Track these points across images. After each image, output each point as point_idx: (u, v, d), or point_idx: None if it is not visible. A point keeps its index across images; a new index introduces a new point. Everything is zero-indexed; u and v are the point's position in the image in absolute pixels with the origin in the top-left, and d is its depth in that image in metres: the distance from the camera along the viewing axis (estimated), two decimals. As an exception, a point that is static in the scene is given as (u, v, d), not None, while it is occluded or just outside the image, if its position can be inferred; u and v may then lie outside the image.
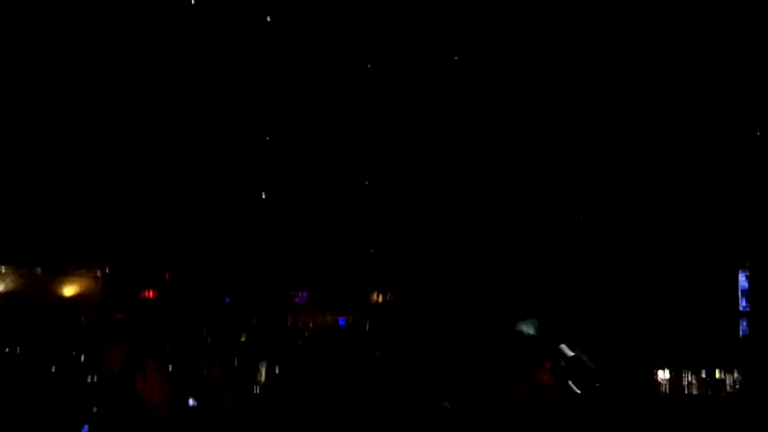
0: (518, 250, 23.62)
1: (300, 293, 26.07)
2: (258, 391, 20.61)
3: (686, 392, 22.07)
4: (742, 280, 24.37)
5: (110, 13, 22.74)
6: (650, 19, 21.59)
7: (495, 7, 22.53)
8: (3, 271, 26.87)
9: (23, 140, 24.26)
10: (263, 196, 24.70)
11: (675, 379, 22.42)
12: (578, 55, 22.14)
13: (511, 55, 22.65)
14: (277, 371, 22.01)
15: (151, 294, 26.69)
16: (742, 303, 24.15)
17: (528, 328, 22.20)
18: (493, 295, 23.46)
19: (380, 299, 25.78)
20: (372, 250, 24.53)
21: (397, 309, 24.70)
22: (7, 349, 23.26)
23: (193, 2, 22.96)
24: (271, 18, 23.26)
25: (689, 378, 22.64)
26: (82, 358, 22.14)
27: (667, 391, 21.67)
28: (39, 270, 26.95)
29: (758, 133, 21.98)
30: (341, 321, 24.98)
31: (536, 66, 22.61)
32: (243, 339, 24.77)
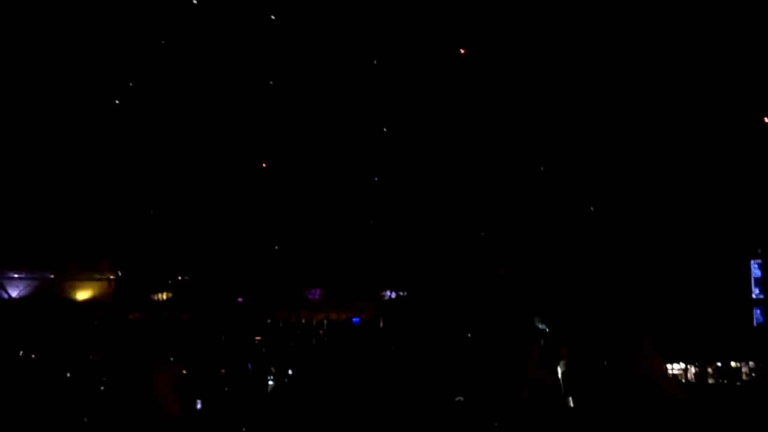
0: (532, 242, 23.59)
1: (313, 291, 26.09)
2: (271, 391, 20.61)
3: (702, 381, 22.03)
4: (755, 269, 24.29)
5: (125, 14, 22.79)
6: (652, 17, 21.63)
7: (498, 6, 22.63)
8: (16, 276, 26.98)
9: (34, 147, 24.36)
10: (275, 196, 24.71)
11: (691, 369, 22.41)
12: (590, 49, 22.13)
13: (521, 50, 22.63)
14: (290, 371, 22.05)
15: (164, 296, 26.80)
16: (755, 291, 24.08)
17: (541, 323, 22.24)
18: (506, 289, 23.44)
19: (394, 296, 25.78)
20: (384, 248, 24.49)
21: (411, 306, 24.69)
22: (21, 353, 23.37)
23: (195, 1, 23.02)
24: (276, 16, 23.33)
25: (705, 367, 22.63)
26: (95, 359, 22.24)
27: (683, 380, 21.64)
28: (51, 275, 27.06)
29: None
30: (355, 320, 24.99)
31: (546, 63, 22.60)
32: (257, 339, 24.82)
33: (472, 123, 23.34)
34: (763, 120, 21.80)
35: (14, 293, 26.85)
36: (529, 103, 22.89)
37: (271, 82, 24.04)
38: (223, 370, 17.83)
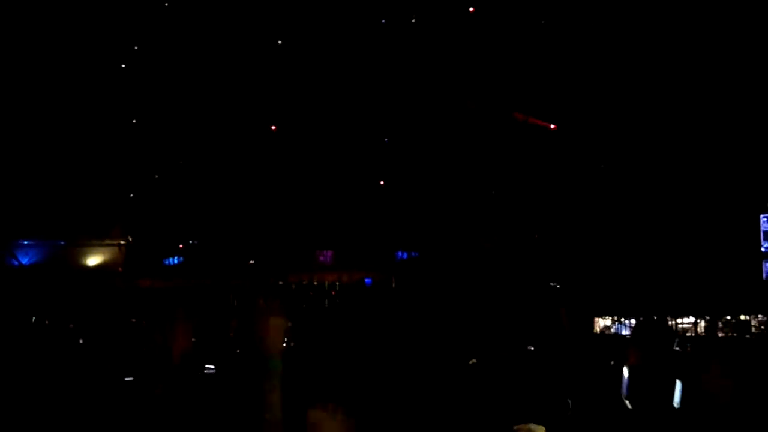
0: (541, 202, 23.68)
1: (325, 252, 26.20)
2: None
3: (712, 334, 22.19)
4: (764, 222, 24.36)
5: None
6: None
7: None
8: (26, 243, 27.08)
9: (42, 115, 24.36)
10: (285, 158, 24.76)
11: (701, 323, 22.57)
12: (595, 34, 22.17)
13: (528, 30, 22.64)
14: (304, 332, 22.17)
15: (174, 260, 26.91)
16: (765, 245, 24.16)
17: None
18: (520, 253, 23.56)
19: (405, 257, 25.88)
20: (395, 209, 24.58)
21: (423, 266, 24.81)
22: (34, 319, 23.54)
23: None
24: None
25: (715, 321, 22.77)
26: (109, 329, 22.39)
27: (695, 334, 21.82)
28: (62, 241, 27.15)
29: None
30: (367, 280, 25.10)
31: (551, 53, 22.64)
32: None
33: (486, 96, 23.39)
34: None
35: (24, 260, 26.97)
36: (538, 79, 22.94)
37: (279, 42, 24.01)
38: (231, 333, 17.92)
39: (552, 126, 23.26)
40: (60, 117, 24.36)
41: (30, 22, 23.35)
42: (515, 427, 4.80)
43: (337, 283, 24.73)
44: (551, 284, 22.66)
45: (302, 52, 24.12)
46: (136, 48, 24.38)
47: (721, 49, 21.82)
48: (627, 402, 7.36)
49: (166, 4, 23.92)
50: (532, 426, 4.74)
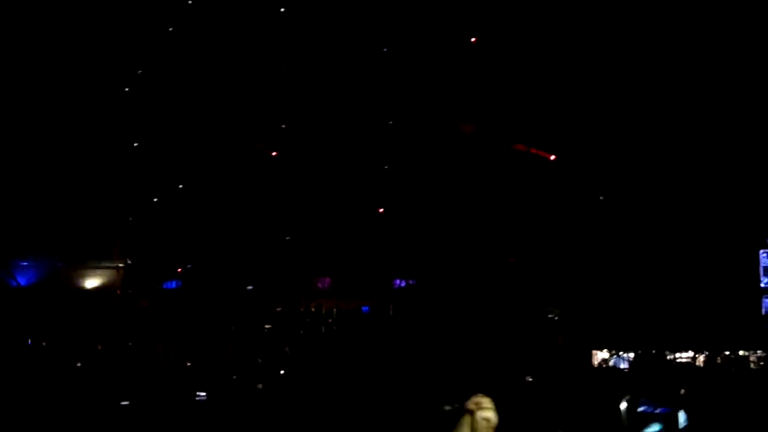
0: (540, 232, 23.65)
1: (323, 279, 26.14)
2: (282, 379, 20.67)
3: (712, 370, 22.11)
4: (763, 258, 24.37)
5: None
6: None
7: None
8: (25, 264, 27.03)
9: (42, 136, 24.39)
10: (284, 184, 24.77)
11: (700, 358, 22.51)
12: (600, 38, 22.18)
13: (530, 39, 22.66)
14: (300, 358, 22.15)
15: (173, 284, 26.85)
16: (764, 281, 24.16)
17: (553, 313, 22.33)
18: (518, 277, 23.51)
19: (403, 285, 25.82)
20: (393, 236, 24.55)
21: (420, 294, 24.76)
22: (31, 342, 23.46)
23: None
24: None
25: (714, 356, 22.72)
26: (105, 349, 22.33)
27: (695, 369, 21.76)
28: (60, 263, 27.10)
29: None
30: (364, 308, 25.03)
31: (554, 56, 22.65)
32: (267, 327, 24.88)
33: (481, 113, 23.40)
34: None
35: (23, 281, 26.92)
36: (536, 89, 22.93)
37: (282, 68, 24.09)
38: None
39: (552, 157, 23.30)
40: (60, 139, 24.39)
41: (34, 42, 23.46)
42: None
43: (334, 310, 24.67)
44: (549, 316, 22.60)
45: (301, 79, 24.19)
46: (139, 72, 24.47)
47: (714, 78, 21.90)
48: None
49: (169, 29, 24.03)
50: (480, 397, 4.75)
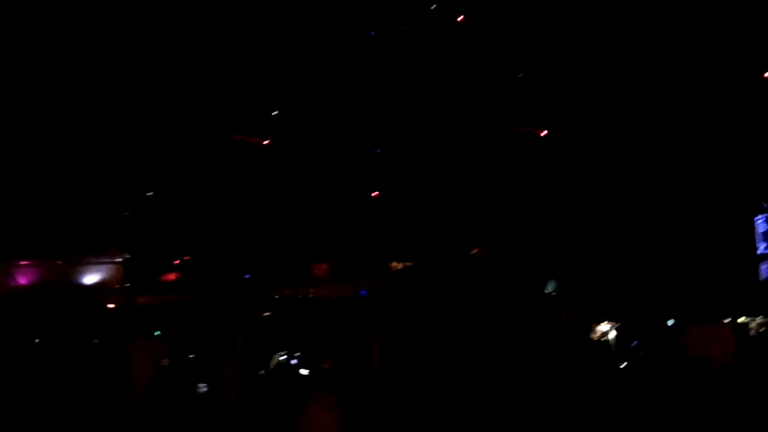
0: (535, 209, 23.65)
1: (320, 265, 26.19)
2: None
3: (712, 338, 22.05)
4: (759, 224, 24.32)
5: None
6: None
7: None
8: (24, 263, 27.10)
9: (38, 133, 24.39)
10: (278, 172, 24.77)
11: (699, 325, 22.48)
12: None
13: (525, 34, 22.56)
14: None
15: (172, 276, 26.90)
16: (761, 246, 24.12)
17: (550, 286, 22.30)
18: (513, 258, 23.52)
19: (400, 267, 25.84)
20: (389, 220, 24.55)
21: (418, 276, 24.75)
22: (33, 340, 23.49)
23: None
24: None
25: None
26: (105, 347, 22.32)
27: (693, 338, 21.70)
28: (59, 260, 27.15)
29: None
30: (362, 292, 25.04)
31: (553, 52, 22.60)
32: (266, 315, 24.89)
33: (473, 104, 23.35)
34: (764, 76, 21.68)
35: (23, 280, 26.99)
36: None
37: (273, 61, 24.03)
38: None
39: (543, 132, 23.24)
40: (56, 137, 24.39)
41: (30, 41, 23.38)
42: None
43: (333, 296, 24.69)
44: (547, 291, 22.59)
45: (296, 69, 24.11)
46: (129, 69, 24.38)
47: (712, 61, 21.79)
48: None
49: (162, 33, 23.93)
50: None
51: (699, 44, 21.94)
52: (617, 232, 23.16)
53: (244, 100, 24.46)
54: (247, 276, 25.31)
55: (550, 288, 22.80)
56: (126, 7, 23.60)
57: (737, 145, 22.48)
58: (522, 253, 23.62)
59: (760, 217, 24.08)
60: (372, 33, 23.67)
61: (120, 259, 27.24)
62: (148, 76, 24.51)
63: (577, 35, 22.64)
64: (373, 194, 24.91)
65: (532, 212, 23.85)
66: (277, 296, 24.76)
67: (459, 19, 23.02)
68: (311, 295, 24.90)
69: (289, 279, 25.45)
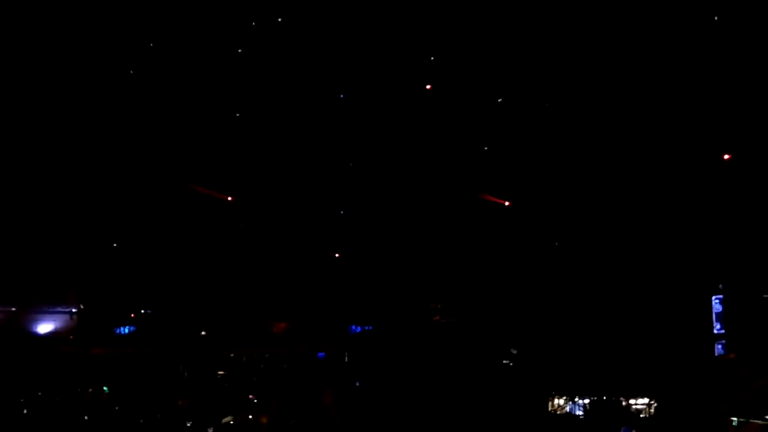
0: (494, 278, 23.73)
1: (278, 325, 26.03)
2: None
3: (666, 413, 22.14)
4: (716, 304, 24.55)
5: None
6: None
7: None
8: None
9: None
10: (239, 229, 24.71)
11: (654, 403, 22.54)
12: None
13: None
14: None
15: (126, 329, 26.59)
16: (717, 326, 24.31)
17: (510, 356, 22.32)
18: (474, 321, 23.53)
19: (359, 330, 25.77)
20: (350, 282, 24.53)
21: (376, 339, 24.70)
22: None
23: None
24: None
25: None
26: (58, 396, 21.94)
27: (647, 415, 21.76)
28: (13, 308, 26.78)
29: (727, 163, 21.99)
30: (320, 354, 24.93)
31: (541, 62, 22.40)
32: (220, 373, 24.66)
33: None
34: (722, 157, 22.05)
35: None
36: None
37: (237, 115, 24.06)
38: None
39: (507, 203, 23.43)
40: (15, 184, 24.18)
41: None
42: None
43: (290, 356, 24.55)
44: (505, 362, 22.61)
45: (255, 126, 24.09)
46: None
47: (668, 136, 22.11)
48: None
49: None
50: None
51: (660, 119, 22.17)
52: (574, 309, 23.29)
53: (207, 154, 24.36)
54: (203, 333, 25.12)
55: (509, 358, 22.82)
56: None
57: (695, 224, 22.77)
58: (483, 322, 23.65)
59: (716, 297, 24.32)
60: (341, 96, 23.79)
61: (75, 310, 26.92)
62: (106, 125, 24.25)
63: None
64: (335, 255, 24.93)
65: (494, 281, 23.93)
66: (232, 354, 24.58)
67: (427, 87, 23.17)
68: (267, 355, 24.73)
69: (246, 337, 25.28)
